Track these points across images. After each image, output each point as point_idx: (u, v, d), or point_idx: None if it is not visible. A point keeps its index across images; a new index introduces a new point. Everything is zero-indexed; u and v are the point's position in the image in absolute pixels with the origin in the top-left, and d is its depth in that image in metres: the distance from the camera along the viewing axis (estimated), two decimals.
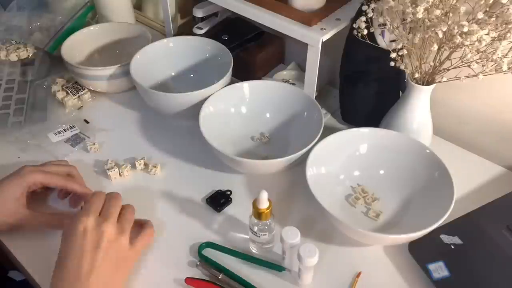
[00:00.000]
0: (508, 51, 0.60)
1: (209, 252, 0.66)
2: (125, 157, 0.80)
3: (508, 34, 0.58)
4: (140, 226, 0.65)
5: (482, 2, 0.59)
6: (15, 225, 0.64)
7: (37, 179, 0.65)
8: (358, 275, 0.63)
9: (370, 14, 0.65)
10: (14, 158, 0.80)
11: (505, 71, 0.59)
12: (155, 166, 0.77)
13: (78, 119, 0.88)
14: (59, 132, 0.83)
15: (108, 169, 0.76)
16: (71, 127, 0.84)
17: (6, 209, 0.63)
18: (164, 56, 0.91)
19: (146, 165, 0.78)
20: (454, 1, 0.59)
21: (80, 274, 0.53)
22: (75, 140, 0.82)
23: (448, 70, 0.66)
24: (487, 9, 0.59)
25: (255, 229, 0.62)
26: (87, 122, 0.87)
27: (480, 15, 0.58)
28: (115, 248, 0.57)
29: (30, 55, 0.98)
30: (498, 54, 0.59)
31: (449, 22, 0.59)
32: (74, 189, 0.67)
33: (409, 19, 0.62)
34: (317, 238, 0.68)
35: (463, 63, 0.62)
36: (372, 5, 0.65)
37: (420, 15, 0.59)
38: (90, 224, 0.56)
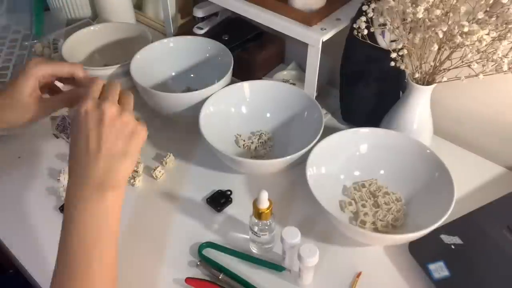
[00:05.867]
0: (509, 51, 0.60)
1: (209, 252, 0.66)
2: None
3: (509, 34, 0.58)
4: None
5: (482, 2, 0.59)
6: (33, 120, 0.64)
7: (44, 69, 0.64)
8: (358, 275, 0.63)
9: (370, 14, 0.65)
10: (14, 158, 0.80)
11: (505, 71, 0.59)
12: (155, 169, 0.77)
13: None
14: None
15: None
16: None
17: (22, 107, 0.63)
18: (164, 56, 0.91)
19: (147, 167, 0.78)
20: (454, 1, 0.59)
21: (89, 151, 0.53)
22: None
23: (449, 70, 0.66)
24: (488, 9, 0.59)
25: (255, 229, 0.62)
26: None
27: (481, 15, 0.58)
28: (120, 123, 0.56)
29: None
30: (498, 54, 0.59)
31: (449, 22, 0.59)
32: (79, 76, 0.65)
33: (409, 19, 0.62)
34: (317, 238, 0.68)
35: (464, 63, 0.62)
36: (372, 5, 0.65)
37: (420, 15, 0.59)
38: (90, 106, 0.55)
